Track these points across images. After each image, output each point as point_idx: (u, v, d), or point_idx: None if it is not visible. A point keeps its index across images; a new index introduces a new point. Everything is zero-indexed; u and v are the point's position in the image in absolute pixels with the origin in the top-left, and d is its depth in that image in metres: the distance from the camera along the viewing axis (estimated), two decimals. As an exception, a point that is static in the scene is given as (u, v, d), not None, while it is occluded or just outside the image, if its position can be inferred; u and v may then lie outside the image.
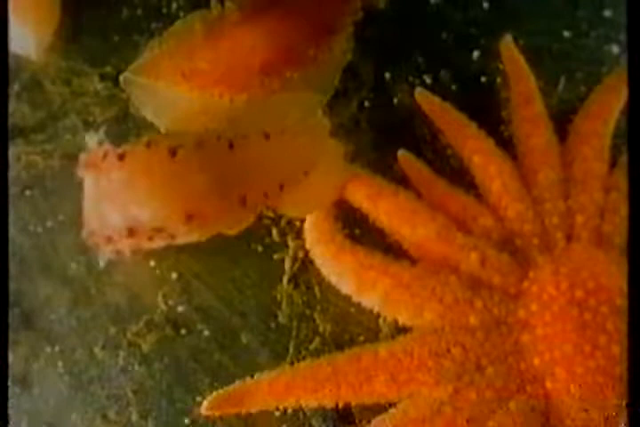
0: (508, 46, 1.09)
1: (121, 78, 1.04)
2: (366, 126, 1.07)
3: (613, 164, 1.02)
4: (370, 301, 0.92)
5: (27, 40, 1.08)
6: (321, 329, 0.96)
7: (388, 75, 1.09)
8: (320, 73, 1.04)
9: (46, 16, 1.10)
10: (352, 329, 0.95)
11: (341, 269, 0.94)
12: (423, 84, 1.09)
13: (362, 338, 0.95)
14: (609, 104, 1.05)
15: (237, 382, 0.90)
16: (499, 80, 1.09)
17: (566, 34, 1.12)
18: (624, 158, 1.01)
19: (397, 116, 1.08)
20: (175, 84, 1.02)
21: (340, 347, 0.92)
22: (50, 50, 1.11)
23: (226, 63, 1.00)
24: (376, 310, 0.92)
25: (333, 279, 0.94)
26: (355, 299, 0.93)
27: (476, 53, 1.11)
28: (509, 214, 0.96)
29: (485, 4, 1.13)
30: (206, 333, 0.98)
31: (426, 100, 1.06)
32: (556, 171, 0.99)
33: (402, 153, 1.03)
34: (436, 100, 1.05)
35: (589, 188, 0.98)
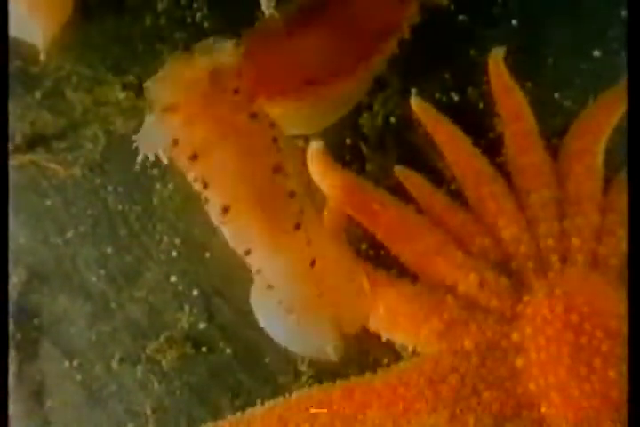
0: (496, 60, 1.05)
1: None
2: (391, 143, 1.06)
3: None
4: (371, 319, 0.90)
5: (35, 30, 1.04)
6: (344, 350, 0.95)
7: (414, 91, 1.08)
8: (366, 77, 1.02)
9: (56, 7, 1.08)
10: (375, 351, 0.94)
11: None
12: (450, 100, 1.08)
13: (385, 360, 0.93)
14: (599, 122, 1.02)
15: (257, 402, 0.89)
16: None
17: (596, 53, 1.10)
18: (619, 177, 0.99)
19: (421, 134, 1.06)
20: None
21: (362, 369, 0.90)
22: (58, 42, 1.07)
23: (269, 77, 0.98)
24: (373, 329, 0.90)
25: None
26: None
27: (503, 71, 1.09)
28: (504, 236, 0.94)
29: (514, 22, 1.12)
30: (228, 351, 0.97)
31: (423, 109, 1.04)
32: (549, 190, 0.97)
33: (398, 168, 1.01)
34: (433, 111, 1.03)
35: (585, 208, 0.95)
